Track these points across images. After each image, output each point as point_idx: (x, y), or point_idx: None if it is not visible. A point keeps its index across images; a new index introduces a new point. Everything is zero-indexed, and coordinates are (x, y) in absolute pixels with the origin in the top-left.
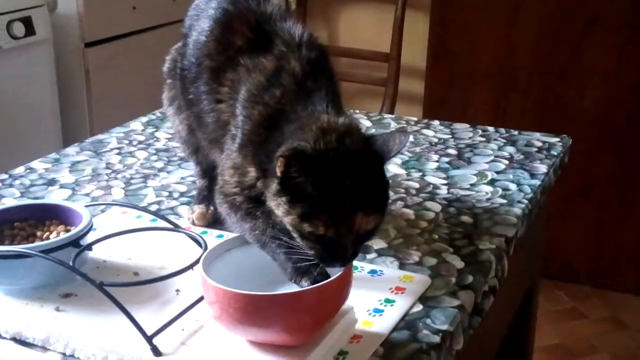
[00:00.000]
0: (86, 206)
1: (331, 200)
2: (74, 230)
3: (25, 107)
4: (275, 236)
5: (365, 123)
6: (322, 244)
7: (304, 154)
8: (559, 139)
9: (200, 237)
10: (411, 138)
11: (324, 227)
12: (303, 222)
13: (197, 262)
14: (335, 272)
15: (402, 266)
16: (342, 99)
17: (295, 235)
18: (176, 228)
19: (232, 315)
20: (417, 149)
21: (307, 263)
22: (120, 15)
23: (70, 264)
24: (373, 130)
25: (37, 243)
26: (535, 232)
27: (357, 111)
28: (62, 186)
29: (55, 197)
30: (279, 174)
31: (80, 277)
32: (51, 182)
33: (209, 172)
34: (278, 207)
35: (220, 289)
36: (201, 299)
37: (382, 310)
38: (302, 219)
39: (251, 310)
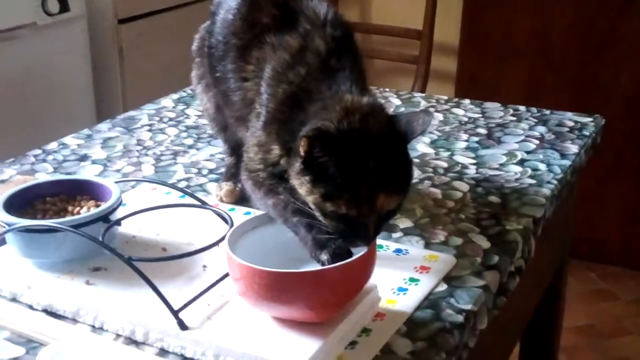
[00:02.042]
0: (116, 182)
1: (354, 180)
2: (104, 206)
3: (59, 84)
4: (297, 212)
5: (394, 101)
6: (344, 223)
7: (327, 135)
8: (591, 119)
9: (227, 214)
10: (441, 117)
11: (346, 207)
12: (325, 202)
13: (222, 238)
14: (359, 251)
15: (427, 245)
16: (366, 78)
17: (317, 213)
18: (203, 205)
19: (256, 292)
20: (447, 128)
21: (327, 237)
22: None
23: (100, 239)
24: (402, 109)
25: (68, 218)
26: (566, 213)
27: (387, 89)
28: (94, 162)
29: (87, 172)
30: (302, 153)
31: (109, 252)
32: (83, 158)
33: (236, 150)
34: (301, 186)
35: (245, 266)
36: (227, 275)
37: (407, 289)
38: (324, 199)
39: (276, 287)
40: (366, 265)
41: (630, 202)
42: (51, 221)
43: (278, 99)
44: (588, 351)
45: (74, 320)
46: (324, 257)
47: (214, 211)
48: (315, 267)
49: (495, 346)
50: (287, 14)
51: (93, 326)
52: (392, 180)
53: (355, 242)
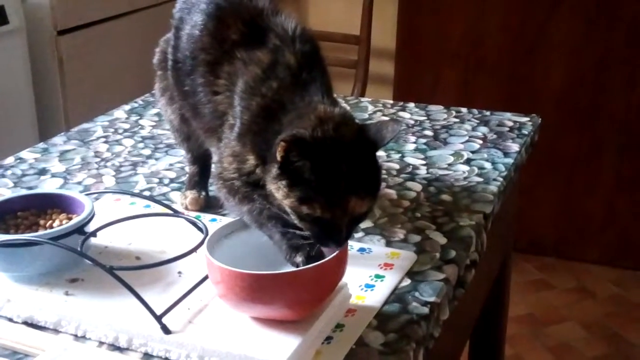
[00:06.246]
0: (86, 194)
1: (328, 184)
2: (79, 218)
3: None
4: (272, 217)
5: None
6: (319, 226)
7: (303, 140)
8: (528, 119)
9: (201, 222)
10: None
11: (321, 210)
12: (301, 205)
13: (200, 245)
14: (332, 252)
15: (388, 244)
16: (332, 88)
17: (293, 217)
18: (177, 214)
19: (237, 294)
20: None
21: (302, 241)
22: (92, 2)
23: (78, 250)
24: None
25: (47, 231)
26: (509, 208)
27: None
28: (53, 175)
29: (47, 186)
30: (279, 158)
31: (85, 262)
32: (42, 172)
33: (199, 159)
34: (278, 190)
35: (226, 270)
36: (204, 279)
37: (373, 285)
38: (300, 202)
39: (255, 289)
40: (339, 265)
41: (561, 197)
42: (30, 235)
43: (252, 112)
44: (530, 338)
45: (56, 331)
46: (299, 259)
47: (187, 220)
48: (290, 269)
49: (454, 336)
50: (255, 31)
51: (75, 335)
52: (363, 185)
53: (328, 243)
